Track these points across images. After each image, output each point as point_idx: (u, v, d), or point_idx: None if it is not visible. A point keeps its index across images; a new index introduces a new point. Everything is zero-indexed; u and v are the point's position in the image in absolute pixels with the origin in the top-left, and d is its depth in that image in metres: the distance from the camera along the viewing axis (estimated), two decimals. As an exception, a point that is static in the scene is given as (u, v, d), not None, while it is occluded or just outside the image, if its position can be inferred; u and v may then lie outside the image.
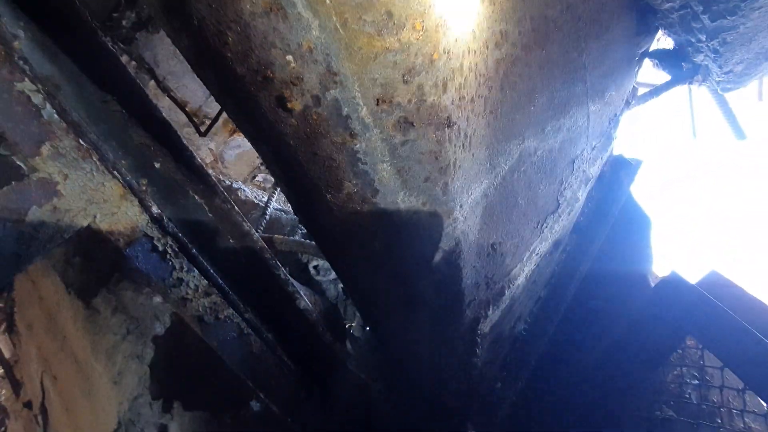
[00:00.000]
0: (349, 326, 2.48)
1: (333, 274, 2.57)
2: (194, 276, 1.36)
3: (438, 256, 1.14)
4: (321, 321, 1.65)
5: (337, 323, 1.82)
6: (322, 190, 1.00)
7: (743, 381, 1.74)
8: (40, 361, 1.61)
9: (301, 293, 1.59)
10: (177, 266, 1.32)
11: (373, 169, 0.94)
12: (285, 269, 1.57)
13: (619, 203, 2.22)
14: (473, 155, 1.06)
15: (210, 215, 1.40)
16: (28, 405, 1.74)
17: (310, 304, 1.61)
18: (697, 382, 2.01)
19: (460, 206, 1.11)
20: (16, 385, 1.87)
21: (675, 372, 2.08)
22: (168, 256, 1.31)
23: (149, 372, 1.29)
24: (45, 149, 1.09)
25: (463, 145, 1.00)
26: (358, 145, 0.90)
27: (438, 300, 1.28)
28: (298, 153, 0.93)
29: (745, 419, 1.85)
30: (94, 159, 1.16)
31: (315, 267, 2.52)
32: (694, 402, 1.97)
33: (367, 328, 2.41)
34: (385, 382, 1.82)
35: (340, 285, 2.57)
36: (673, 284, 1.99)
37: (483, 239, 1.28)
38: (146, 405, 1.28)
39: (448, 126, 0.93)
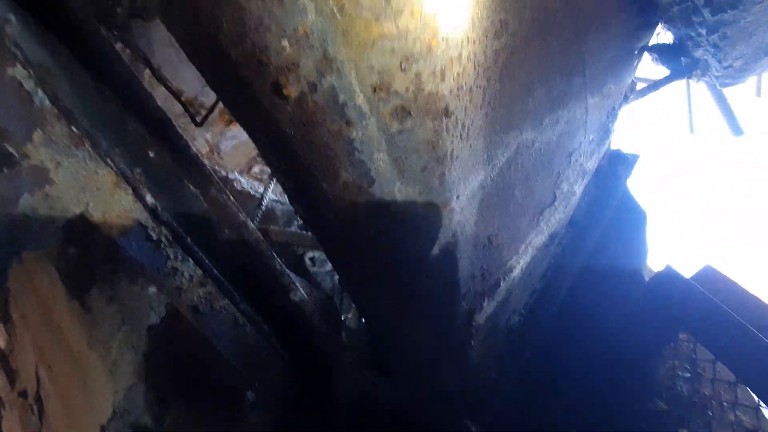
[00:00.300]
0: (344, 318, 2.49)
1: (329, 266, 2.57)
2: (189, 266, 1.35)
3: (434, 247, 1.14)
4: (317, 312, 1.65)
5: (332, 315, 1.82)
6: (318, 180, 0.99)
7: (735, 374, 1.75)
8: (35, 351, 1.60)
9: (297, 285, 1.59)
10: (172, 256, 1.32)
11: (369, 158, 0.93)
12: (281, 260, 1.56)
13: (616, 197, 2.22)
14: (471, 146, 1.05)
15: (205, 205, 1.39)
16: (23, 394, 1.74)
17: (305, 296, 1.60)
18: (689, 375, 2.03)
19: (457, 197, 1.10)
20: (11, 375, 1.86)
21: (667, 365, 2.10)
22: (162, 246, 1.30)
23: (144, 362, 1.28)
24: (37, 136, 1.07)
25: (460, 135, 0.99)
26: (354, 134, 0.89)
27: (433, 291, 1.28)
28: (293, 141, 0.92)
29: (737, 412, 1.87)
30: (87, 146, 1.14)
31: (311, 258, 2.51)
32: (686, 395, 1.99)
33: (363, 320, 2.41)
34: (380, 373, 1.83)
35: (336, 277, 2.57)
36: (667, 278, 2.00)
37: (479, 231, 1.28)
38: (141, 394, 1.28)
39: (446, 116, 0.93)
